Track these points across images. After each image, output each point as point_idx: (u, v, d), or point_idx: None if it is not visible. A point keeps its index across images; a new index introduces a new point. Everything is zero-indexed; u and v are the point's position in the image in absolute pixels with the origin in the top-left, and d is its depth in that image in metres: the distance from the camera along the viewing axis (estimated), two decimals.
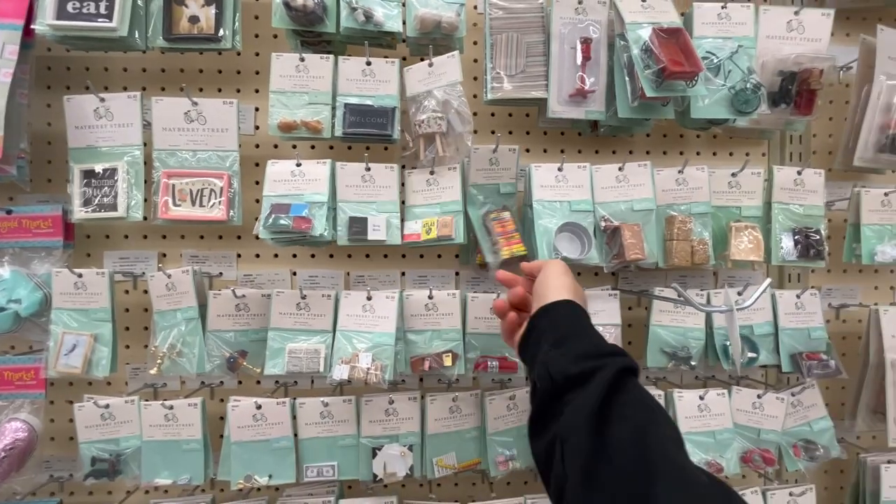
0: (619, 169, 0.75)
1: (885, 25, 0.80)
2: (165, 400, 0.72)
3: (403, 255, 0.86)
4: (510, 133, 0.87)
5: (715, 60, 0.72)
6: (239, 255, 0.83)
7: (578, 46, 0.73)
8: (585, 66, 0.73)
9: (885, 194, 0.80)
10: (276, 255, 0.84)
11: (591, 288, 0.76)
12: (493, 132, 0.84)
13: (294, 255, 0.85)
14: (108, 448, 0.72)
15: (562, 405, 0.42)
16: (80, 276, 0.71)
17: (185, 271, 0.71)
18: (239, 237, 0.83)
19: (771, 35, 0.77)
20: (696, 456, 0.74)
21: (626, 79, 0.72)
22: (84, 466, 0.71)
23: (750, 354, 0.75)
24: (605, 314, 0.75)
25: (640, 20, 0.71)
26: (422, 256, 0.86)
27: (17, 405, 0.72)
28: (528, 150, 0.86)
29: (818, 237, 0.76)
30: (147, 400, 0.73)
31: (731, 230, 0.76)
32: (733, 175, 0.78)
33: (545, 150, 0.87)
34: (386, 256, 0.86)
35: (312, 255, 0.85)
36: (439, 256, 0.86)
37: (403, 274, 0.85)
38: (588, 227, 0.72)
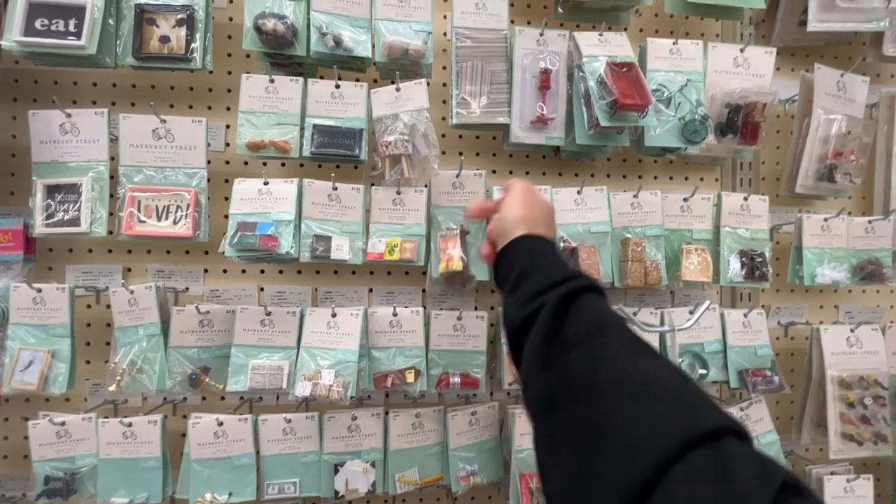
0: (578, 192, 0.78)
1: (823, 64, 0.87)
2: (125, 417, 0.71)
3: (371, 272, 0.87)
4: (477, 154, 0.90)
5: (666, 93, 0.77)
6: (206, 271, 0.84)
7: (539, 77, 0.77)
8: (545, 95, 0.77)
9: (825, 220, 0.85)
10: (243, 271, 0.85)
11: None
12: (460, 154, 0.87)
13: (262, 271, 0.85)
14: (62, 467, 0.70)
15: (520, 353, 0.42)
16: (39, 290, 0.70)
17: (149, 287, 0.71)
18: (206, 252, 0.84)
19: (719, 70, 0.82)
20: None
21: (584, 108, 0.76)
22: (37, 486, 0.70)
23: (700, 371, 0.79)
24: None
25: (597, 53, 0.75)
26: (389, 273, 0.88)
27: None
28: (494, 172, 0.89)
29: (762, 259, 0.81)
30: (107, 417, 0.72)
31: (683, 252, 0.80)
32: (685, 200, 0.82)
33: (511, 172, 0.91)
34: (354, 273, 0.87)
35: (280, 271, 0.86)
36: (406, 273, 0.88)
37: (371, 290, 0.87)
38: None
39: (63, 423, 0.70)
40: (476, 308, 0.86)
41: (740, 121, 0.81)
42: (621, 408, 0.31)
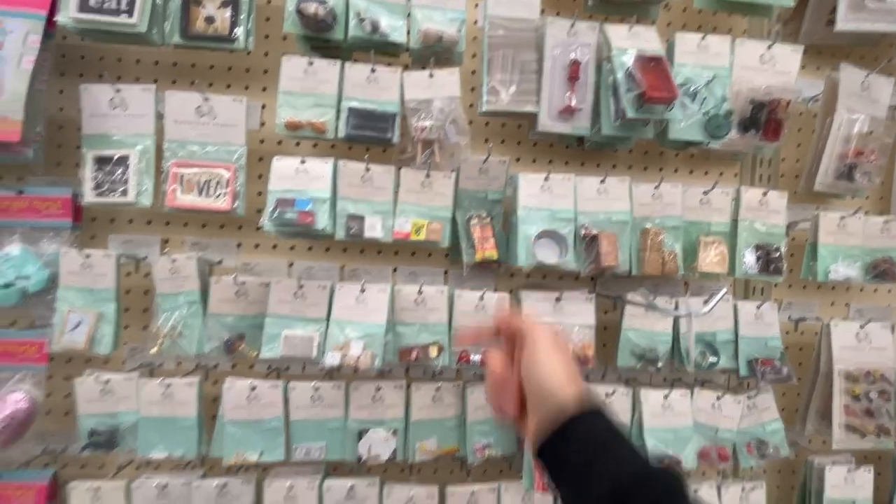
0: (601, 182, 0.81)
1: (848, 63, 0.88)
2: (164, 378, 0.76)
3: (396, 252, 0.91)
4: (502, 142, 0.92)
5: (692, 87, 0.79)
6: (239, 245, 0.87)
7: (568, 68, 0.79)
8: (574, 86, 0.79)
9: (841, 218, 0.87)
10: (274, 246, 0.89)
11: (571, 290, 0.82)
12: (486, 140, 0.90)
13: (292, 248, 0.89)
14: (105, 422, 0.75)
15: None
16: (87, 256, 0.74)
17: (189, 257, 0.75)
18: (240, 227, 0.87)
19: (745, 66, 0.83)
20: (658, 449, 0.81)
21: (611, 99, 0.78)
22: (82, 438, 0.75)
23: (711, 359, 0.82)
24: (582, 315, 0.81)
25: (626, 46, 0.77)
26: (413, 254, 0.91)
27: (19, 377, 0.75)
28: (518, 160, 0.92)
29: (778, 254, 0.83)
30: (147, 378, 0.76)
31: (701, 244, 0.82)
32: (704, 193, 0.84)
33: (534, 160, 0.93)
34: (379, 252, 0.90)
35: (310, 248, 0.89)
36: (430, 255, 0.91)
37: (395, 270, 0.90)
38: (567, 235, 0.78)
39: (107, 382, 0.75)
40: (495, 289, 0.89)
41: (763, 117, 0.83)
42: None
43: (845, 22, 0.85)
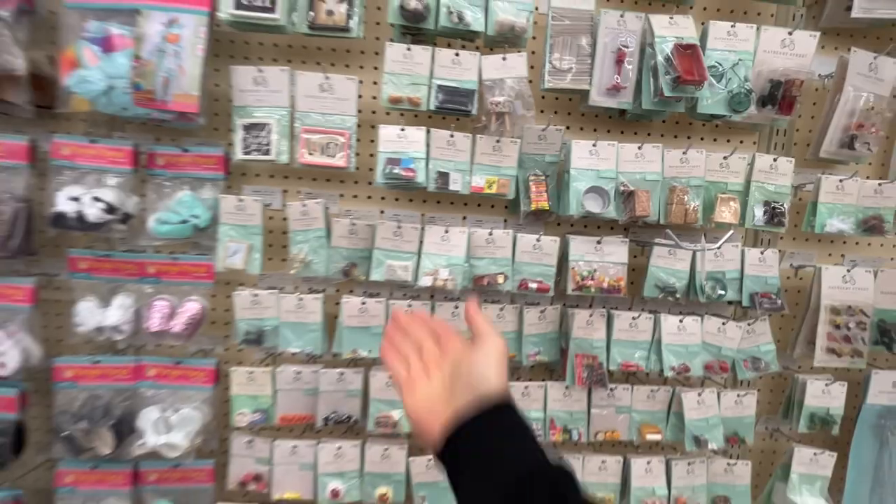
0: (639, 148, 0.99)
1: (865, 42, 1.02)
2: (298, 293, 1.01)
3: (465, 203, 1.12)
4: (555, 112, 1.11)
5: (720, 69, 0.95)
6: (341, 195, 1.10)
7: (616, 53, 0.96)
8: (620, 67, 0.96)
9: (840, 180, 1.04)
10: (368, 197, 1.11)
11: (609, 235, 1.03)
12: (541, 111, 1.09)
13: (382, 198, 1.11)
14: (255, 324, 1.01)
15: None
16: (241, 200, 0.98)
17: (318, 202, 0.98)
18: (342, 181, 1.10)
19: (767, 50, 0.99)
20: (671, 361, 1.03)
21: (651, 79, 0.95)
22: (239, 336, 1.01)
23: (720, 291, 1.02)
24: (616, 256, 1.02)
25: (666, 34, 0.93)
26: (479, 205, 1.12)
27: (193, 290, 1.01)
28: (567, 128, 1.10)
29: (782, 209, 1.01)
30: (284, 293, 1.02)
31: (718, 200, 1.01)
32: (724, 158, 1.02)
33: (582, 129, 1.11)
34: (452, 203, 1.12)
35: (396, 199, 1.12)
36: (492, 206, 1.13)
37: (464, 217, 1.12)
38: (609, 191, 0.98)
39: (256, 295, 1.00)
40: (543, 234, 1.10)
41: (780, 94, 0.99)
42: None
43: (860, 9, 0.99)
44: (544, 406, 1.06)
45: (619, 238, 1.03)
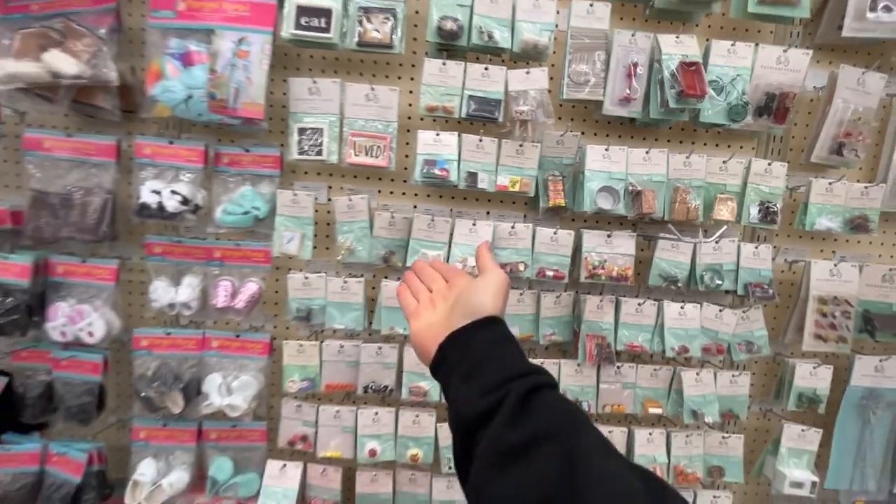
0: (646, 152, 1.12)
1: (856, 57, 1.13)
2: (343, 277, 1.15)
3: (489, 200, 1.25)
4: (572, 120, 1.23)
5: (720, 84, 1.07)
6: (379, 191, 1.24)
7: (628, 68, 1.08)
8: (631, 81, 1.09)
9: (829, 183, 1.15)
10: (403, 193, 1.25)
11: (618, 230, 1.15)
12: (559, 119, 1.21)
13: (415, 194, 1.25)
14: (305, 303, 1.16)
15: (475, 447, 0.42)
16: (295, 194, 1.12)
17: (363, 197, 1.12)
18: (380, 178, 1.24)
19: (764, 66, 1.10)
20: (672, 343, 1.16)
21: (658, 92, 1.07)
22: (291, 314, 1.16)
23: (717, 281, 1.14)
24: (625, 248, 1.14)
25: (672, 52, 1.06)
26: (501, 201, 1.25)
27: (252, 273, 1.16)
28: (583, 133, 1.23)
29: (775, 209, 1.13)
30: (331, 276, 1.16)
31: (717, 199, 1.13)
32: (724, 162, 1.14)
33: (595, 134, 1.24)
34: (477, 199, 1.25)
35: (427, 195, 1.25)
36: (513, 203, 1.26)
37: (488, 213, 1.25)
38: (619, 190, 1.10)
39: (307, 277, 1.15)
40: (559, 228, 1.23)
41: (775, 106, 1.10)
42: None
43: (850, 30, 1.10)
44: (558, 381, 1.19)
45: (628, 232, 1.15)
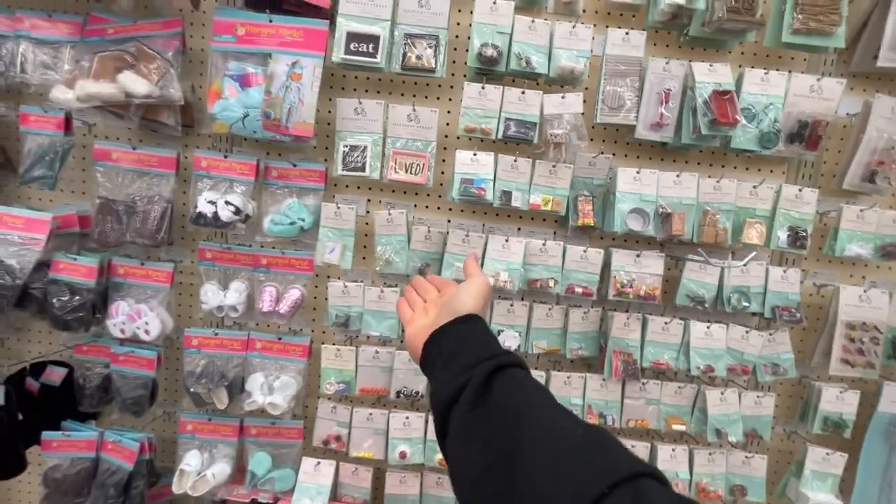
0: (677, 176, 1.15)
1: (885, 90, 1.14)
2: (380, 286, 1.21)
3: (520, 217, 1.30)
4: (603, 141, 1.27)
5: (752, 111, 1.10)
6: (415, 206, 1.30)
7: (661, 94, 1.12)
8: (664, 106, 1.12)
9: (861, 210, 1.16)
10: (438, 208, 1.30)
11: (647, 250, 1.19)
12: (591, 140, 1.25)
13: (450, 209, 1.31)
14: (343, 310, 1.23)
15: (448, 425, 0.46)
16: (338, 207, 1.19)
17: (402, 212, 1.18)
18: (416, 194, 1.30)
19: (797, 94, 1.12)
20: (698, 361, 1.18)
21: (690, 118, 1.11)
22: (331, 319, 1.23)
23: (745, 303, 1.17)
24: (653, 268, 1.18)
25: (705, 80, 1.09)
26: (532, 219, 1.30)
27: (296, 280, 1.23)
28: (613, 155, 1.27)
29: (805, 234, 1.15)
30: (368, 286, 1.23)
31: (746, 223, 1.15)
32: (754, 187, 1.16)
33: (626, 156, 1.28)
34: (509, 216, 1.30)
35: (461, 210, 1.31)
36: (544, 220, 1.30)
37: (519, 229, 1.30)
38: (650, 212, 1.14)
39: (346, 286, 1.21)
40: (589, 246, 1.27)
41: (807, 133, 1.12)
42: (544, 463, 0.35)
43: (885, 60, 1.11)
44: (583, 394, 1.23)
45: (656, 253, 1.19)
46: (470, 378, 0.47)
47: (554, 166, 1.16)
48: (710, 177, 1.16)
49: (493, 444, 0.41)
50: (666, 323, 1.20)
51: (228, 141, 1.27)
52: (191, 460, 1.23)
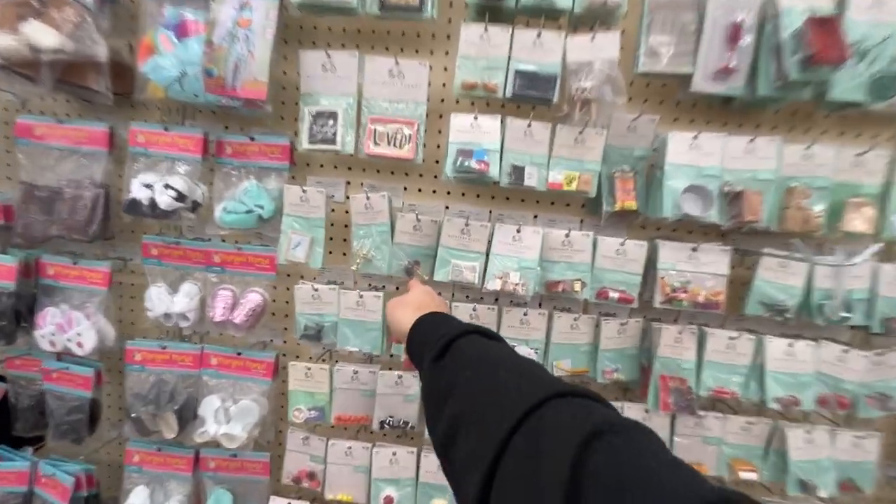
0: (750, 141, 0.85)
1: None
2: (359, 290, 0.96)
3: (537, 201, 1.03)
4: (644, 101, 0.98)
5: (861, 46, 0.79)
6: (405, 188, 1.04)
7: (729, 29, 0.82)
8: (733, 47, 0.83)
9: None
10: (434, 192, 1.04)
11: (707, 241, 0.90)
12: (630, 99, 0.96)
13: (448, 192, 1.04)
14: (314, 320, 0.98)
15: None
16: (304, 191, 0.94)
17: (382, 195, 0.93)
18: (406, 174, 1.04)
19: None
20: (776, 390, 0.89)
21: (772, 61, 0.81)
22: (298, 331, 0.99)
23: (844, 314, 0.86)
24: (714, 265, 0.88)
25: (796, 5, 0.78)
26: (552, 204, 1.02)
27: (256, 282, 1.00)
28: (659, 117, 0.97)
29: None
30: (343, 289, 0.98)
31: (846, 205, 0.85)
32: (857, 155, 0.85)
33: (676, 120, 0.98)
34: (523, 200, 1.03)
35: (463, 194, 1.04)
36: (567, 205, 1.02)
37: (536, 216, 1.03)
38: (712, 191, 0.84)
39: (316, 290, 0.97)
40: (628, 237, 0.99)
41: None
42: (505, 377, 0.41)
43: None
44: None
45: (719, 245, 0.89)
46: (425, 355, 0.52)
47: (581, 133, 0.88)
48: (795, 143, 0.86)
49: (439, 390, 0.46)
50: (731, 338, 0.90)
51: (181, 112, 1.04)
52: (136, 500, 1.02)
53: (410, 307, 0.66)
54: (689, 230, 0.99)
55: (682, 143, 0.86)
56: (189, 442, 1.01)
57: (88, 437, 1.06)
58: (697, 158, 0.85)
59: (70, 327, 0.99)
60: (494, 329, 0.93)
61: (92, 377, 1.02)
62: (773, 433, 0.93)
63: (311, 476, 1.03)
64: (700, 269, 0.88)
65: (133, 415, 1.00)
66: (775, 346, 0.89)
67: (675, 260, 0.89)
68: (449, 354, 0.50)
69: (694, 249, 0.88)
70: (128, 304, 1.12)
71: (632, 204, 0.88)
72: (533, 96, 0.86)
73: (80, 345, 0.99)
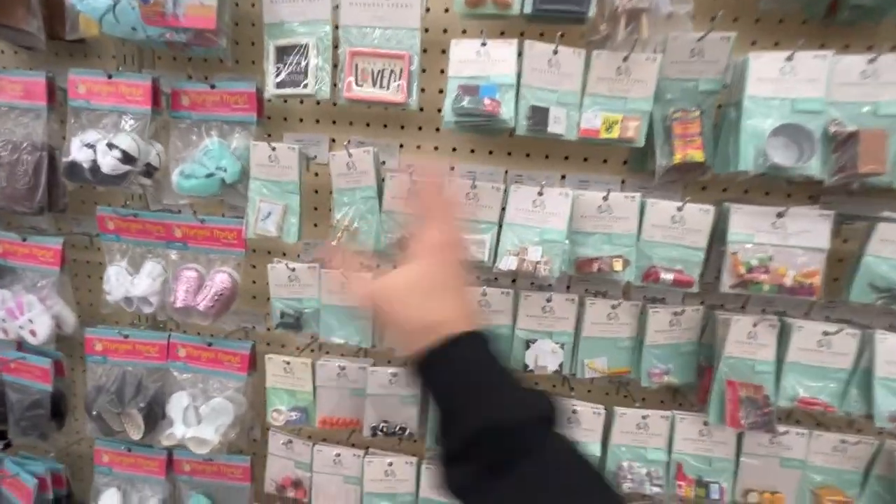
0: (869, 62, 0.61)
1: None
2: (343, 271, 0.79)
3: (566, 157, 0.81)
4: (712, 19, 0.74)
5: None
6: (401, 146, 0.85)
7: None
8: None
9: None
10: (435, 148, 0.84)
11: (799, 205, 0.67)
12: (693, 16, 0.72)
13: (454, 149, 0.84)
14: (293, 305, 0.82)
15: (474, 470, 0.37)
16: (273, 149, 0.77)
17: (367, 151, 0.73)
18: (402, 127, 0.84)
19: None
20: (888, 403, 0.66)
21: None
22: (275, 318, 0.83)
23: None
24: (808, 237, 0.66)
25: None
26: (586, 160, 0.81)
27: (223, 260, 0.84)
28: (735, 33, 0.73)
29: None
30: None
31: None
32: None
33: (753, 43, 0.73)
34: (547, 157, 0.82)
35: (472, 150, 0.84)
36: (605, 161, 0.80)
37: (563, 177, 0.81)
38: (814, 132, 0.61)
39: (294, 269, 0.80)
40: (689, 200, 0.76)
41: None
42: None
43: None
44: (669, 445, 0.75)
45: (815, 210, 0.66)
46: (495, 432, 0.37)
47: (625, 59, 0.66)
48: None
49: None
50: (827, 334, 0.68)
51: (136, 60, 0.87)
52: None
53: (427, 302, 0.44)
54: (764, 191, 0.76)
55: (769, 66, 0.62)
56: (157, 444, 0.88)
57: (57, 433, 0.96)
58: (791, 88, 0.62)
59: (21, 313, 0.86)
60: (510, 320, 0.75)
61: (50, 368, 0.90)
62: (877, 455, 0.71)
63: (297, 484, 0.88)
64: (788, 241, 0.66)
65: (94, 412, 0.87)
66: (889, 345, 0.66)
67: (752, 229, 0.66)
68: (517, 473, 0.36)
69: (779, 215, 0.66)
70: (96, 285, 0.99)
71: (697, 154, 0.66)
72: (560, 11, 0.64)
73: (32, 333, 0.87)
